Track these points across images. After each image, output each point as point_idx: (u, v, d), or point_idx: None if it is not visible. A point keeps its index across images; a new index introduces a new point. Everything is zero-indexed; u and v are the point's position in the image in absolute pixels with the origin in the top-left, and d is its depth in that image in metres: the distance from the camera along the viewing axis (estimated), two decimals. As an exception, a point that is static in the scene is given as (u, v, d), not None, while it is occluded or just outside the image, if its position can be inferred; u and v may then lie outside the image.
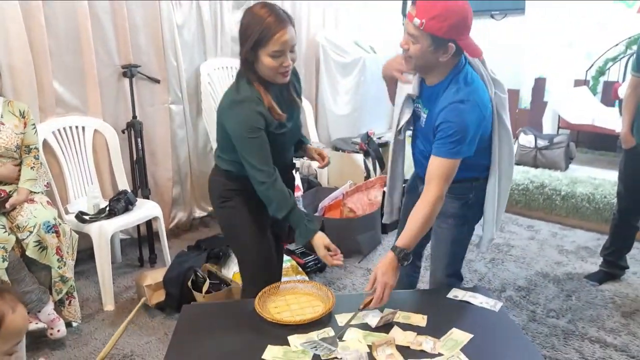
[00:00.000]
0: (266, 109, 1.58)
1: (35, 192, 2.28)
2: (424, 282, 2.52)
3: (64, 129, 2.77)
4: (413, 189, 1.98)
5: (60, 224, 2.23)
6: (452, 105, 1.54)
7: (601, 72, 4.80)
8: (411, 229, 1.59)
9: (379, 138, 3.81)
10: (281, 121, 1.62)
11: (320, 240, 1.64)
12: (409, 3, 1.62)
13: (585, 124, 4.32)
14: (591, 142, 4.87)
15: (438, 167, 1.58)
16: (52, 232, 2.16)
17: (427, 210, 1.58)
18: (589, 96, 4.70)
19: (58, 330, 2.22)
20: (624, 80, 4.59)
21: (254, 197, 1.67)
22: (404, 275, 1.98)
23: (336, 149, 3.78)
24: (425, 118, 1.69)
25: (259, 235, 1.78)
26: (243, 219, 1.75)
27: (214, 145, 3.38)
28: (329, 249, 1.64)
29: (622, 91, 4.13)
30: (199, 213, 3.61)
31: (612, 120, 4.14)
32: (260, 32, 1.48)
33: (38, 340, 2.25)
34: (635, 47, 4.52)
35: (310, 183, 3.51)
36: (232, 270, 2.60)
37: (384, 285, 1.50)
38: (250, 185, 1.64)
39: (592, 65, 4.85)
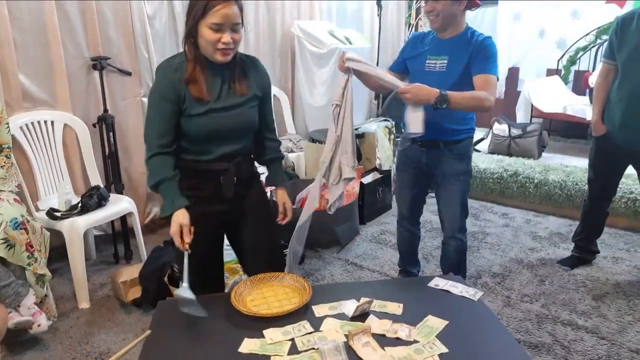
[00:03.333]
0: (182, 80, 1.53)
1: (2, 190, 2.21)
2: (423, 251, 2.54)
3: (32, 123, 2.69)
4: (409, 162, 2.30)
5: (29, 221, 2.17)
6: (486, 38, 2.06)
7: (572, 61, 4.91)
8: (462, 94, 1.93)
9: (356, 129, 3.81)
10: (200, 98, 1.54)
11: (180, 216, 1.52)
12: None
13: (557, 112, 4.42)
14: (563, 130, 4.98)
15: (487, 80, 1.99)
16: (21, 229, 2.10)
17: (480, 95, 1.95)
18: (561, 85, 4.81)
19: (39, 325, 2.16)
20: (594, 69, 4.70)
21: (199, 187, 1.62)
22: (408, 242, 2.54)
23: (313, 140, 3.77)
24: (447, 62, 2.08)
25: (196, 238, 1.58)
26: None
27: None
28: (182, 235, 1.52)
29: (593, 80, 4.23)
30: (175, 207, 3.56)
31: (583, 109, 4.24)
32: (202, 3, 1.47)
33: (12, 340, 2.19)
34: (605, 37, 4.65)
35: (287, 175, 3.50)
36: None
37: (414, 87, 1.88)
38: (192, 173, 1.60)
39: (563, 55, 4.95)
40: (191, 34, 1.53)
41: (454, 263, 2.35)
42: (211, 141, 1.61)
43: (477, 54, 2.04)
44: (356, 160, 2.10)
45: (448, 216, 2.31)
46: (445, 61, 2.09)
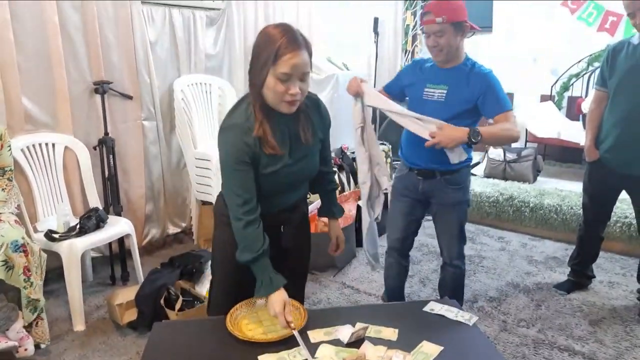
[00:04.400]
0: (256, 139, 1.43)
1: (2, 212, 2.23)
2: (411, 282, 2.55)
3: (34, 145, 2.72)
4: (405, 190, 2.29)
5: (28, 243, 2.18)
6: (488, 74, 2.05)
7: (565, 87, 4.99)
8: (491, 128, 1.96)
9: (353, 152, 3.85)
10: (274, 154, 1.46)
11: (280, 295, 1.46)
12: (419, 16, 2.07)
13: (552, 137, 4.47)
14: (557, 155, 5.03)
15: (507, 116, 2.00)
16: (21, 252, 2.12)
17: (507, 125, 1.96)
18: (555, 111, 4.87)
19: (25, 349, 2.16)
20: (586, 95, 4.77)
21: None
22: (396, 275, 2.48)
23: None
24: (446, 92, 2.07)
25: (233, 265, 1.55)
26: (227, 251, 1.58)
27: (188, 161, 3.38)
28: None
29: (586, 106, 4.30)
30: (172, 229, 3.57)
31: (577, 134, 4.29)
32: (271, 51, 1.36)
33: (4, 363, 2.18)
34: (596, 64, 4.73)
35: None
36: (205, 287, 2.58)
37: (442, 134, 1.88)
38: None
39: (556, 81, 5.04)
40: (255, 84, 1.42)
41: (452, 289, 2.35)
42: (278, 194, 1.57)
43: (485, 94, 2.01)
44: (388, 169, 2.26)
45: (445, 243, 2.31)
46: (445, 91, 2.07)
